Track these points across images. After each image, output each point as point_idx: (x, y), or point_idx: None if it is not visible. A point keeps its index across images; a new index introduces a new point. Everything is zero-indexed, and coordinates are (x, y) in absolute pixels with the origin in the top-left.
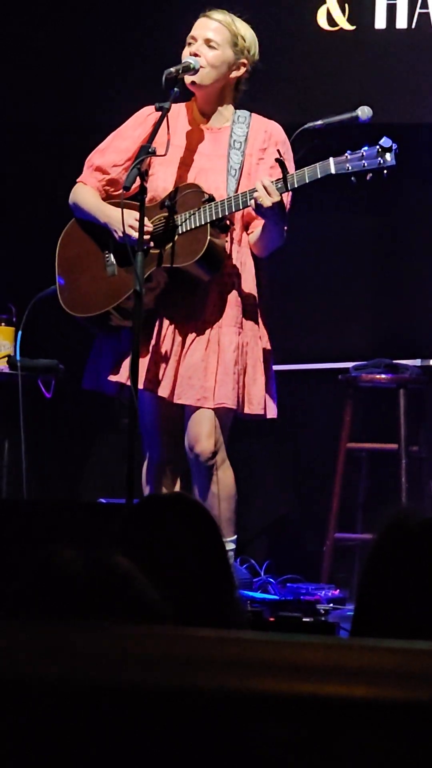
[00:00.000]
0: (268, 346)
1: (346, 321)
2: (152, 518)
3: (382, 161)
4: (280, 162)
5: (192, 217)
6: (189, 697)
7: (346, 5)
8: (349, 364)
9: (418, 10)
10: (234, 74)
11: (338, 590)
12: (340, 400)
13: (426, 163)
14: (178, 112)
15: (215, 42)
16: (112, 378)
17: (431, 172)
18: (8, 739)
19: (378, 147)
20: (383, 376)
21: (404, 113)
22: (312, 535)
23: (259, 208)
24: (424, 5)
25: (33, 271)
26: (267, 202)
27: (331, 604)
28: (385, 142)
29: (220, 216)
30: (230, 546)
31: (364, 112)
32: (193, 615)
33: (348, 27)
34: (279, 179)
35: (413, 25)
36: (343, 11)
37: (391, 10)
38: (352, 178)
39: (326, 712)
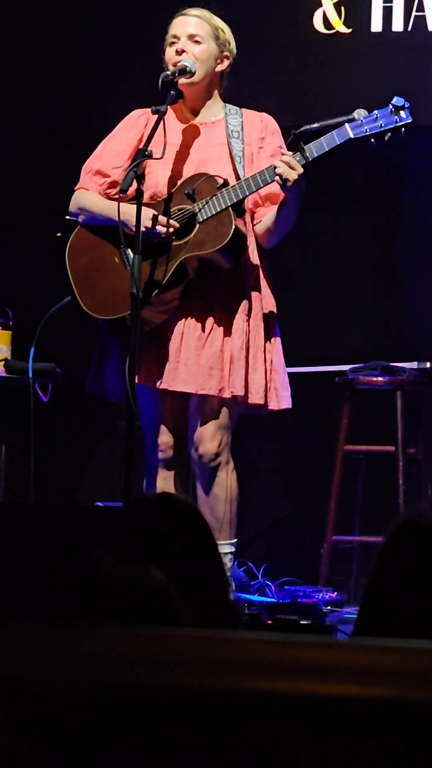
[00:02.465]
0: (276, 336)
1: (343, 324)
2: (140, 520)
3: (398, 119)
4: (295, 136)
5: (210, 203)
6: (186, 697)
7: (342, 8)
8: (346, 367)
9: (414, 13)
10: (219, 68)
11: (336, 593)
12: (337, 402)
13: (424, 166)
14: (167, 114)
15: (199, 36)
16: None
17: (430, 174)
18: (10, 739)
19: (391, 107)
20: (380, 378)
21: None
22: (309, 538)
23: (284, 184)
24: (420, 8)
25: (30, 274)
26: (293, 175)
27: (329, 607)
28: (397, 101)
29: (241, 197)
30: (230, 549)
31: (360, 114)
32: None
33: (344, 30)
34: (296, 152)
35: (409, 28)
36: (339, 14)
37: (387, 12)
38: (372, 140)
39: (323, 712)
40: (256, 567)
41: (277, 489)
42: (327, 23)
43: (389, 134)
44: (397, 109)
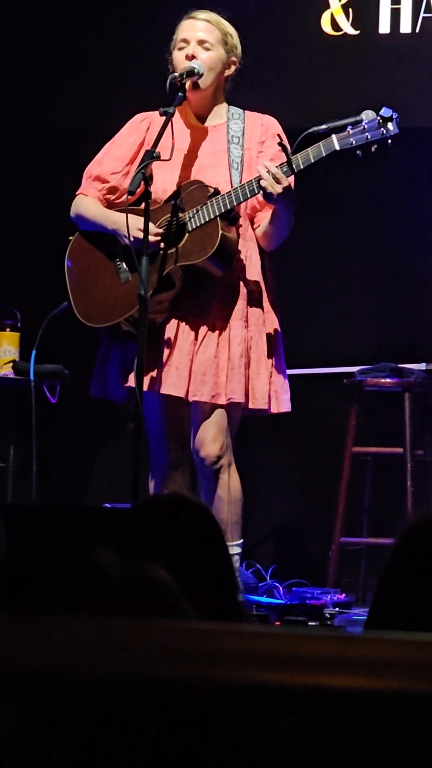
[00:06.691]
0: (277, 340)
1: (351, 325)
2: (152, 520)
3: (385, 131)
4: (283, 146)
5: (200, 212)
6: (192, 689)
7: (350, 10)
8: (354, 368)
9: (422, 15)
10: (227, 73)
11: (344, 594)
12: (345, 404)
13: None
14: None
15: (209, 43)
16: (129, 385)
17: None
18: (14, 729)
19: (378, 118)
20: (388, 380)
21: (409, 117)
22: (317, 540)
23: (269, 196)
24: (428, 9)
25: (37, 275)
26: (277, 188)
27: (337, 608)
28: (385, 112)
29: (228, 208)
30: (236, 550)
31: (368, 116)
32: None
33: (352, 32)
34: (283, 163)
35: (417, 29)
36: (347, 16)
37: (395, 14)
38: (358, 152)
39: (331, 704)
40: (264, 569)
41: (285, 491)
42: (335, 25)
43: (375, 146)
44: (385, 120)
